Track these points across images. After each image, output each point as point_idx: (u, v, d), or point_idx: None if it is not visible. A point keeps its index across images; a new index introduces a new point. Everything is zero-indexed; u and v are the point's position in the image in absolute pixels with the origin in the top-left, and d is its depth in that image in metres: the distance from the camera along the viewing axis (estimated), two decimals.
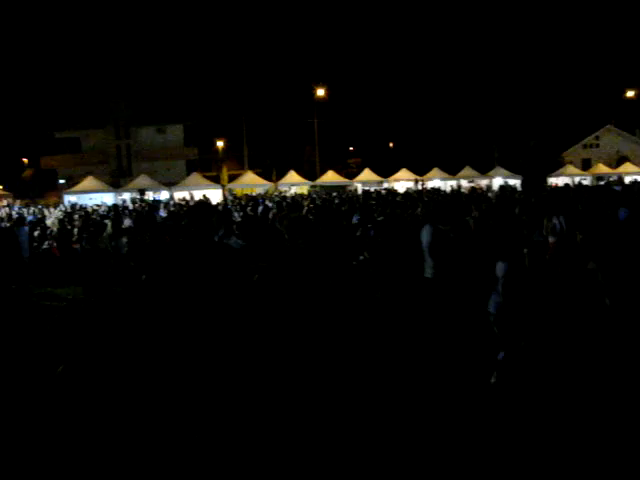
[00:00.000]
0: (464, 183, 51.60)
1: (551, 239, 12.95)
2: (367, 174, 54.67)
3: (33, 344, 9.91)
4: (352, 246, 15.85)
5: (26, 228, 17.59)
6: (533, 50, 79.19)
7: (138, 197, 43.14)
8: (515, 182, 48.36)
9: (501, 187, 39.44)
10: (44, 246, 20.63)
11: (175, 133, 70.00)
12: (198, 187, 48.58)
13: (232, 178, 55.86)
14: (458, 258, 10.43)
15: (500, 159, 58.97)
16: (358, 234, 16.01)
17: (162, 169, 64.18)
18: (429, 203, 20.93)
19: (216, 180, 54.75)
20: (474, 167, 55.08)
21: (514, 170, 54.14)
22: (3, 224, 23.20)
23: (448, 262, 9.73)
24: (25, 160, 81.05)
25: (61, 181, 66.13)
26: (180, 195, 46.51)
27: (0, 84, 76.86)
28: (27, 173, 77.88)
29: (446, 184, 50.74)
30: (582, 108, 68.35)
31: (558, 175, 52.28)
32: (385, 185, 51.55)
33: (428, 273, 9.97)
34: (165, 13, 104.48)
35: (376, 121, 78.71)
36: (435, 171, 54.50)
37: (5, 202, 44.71)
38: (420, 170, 54.20)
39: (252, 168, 59.15)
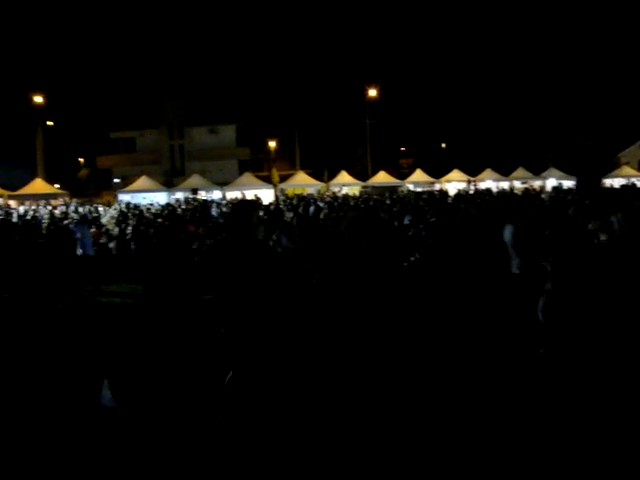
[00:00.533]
0: (517, 184, 50.95)
1: (603, 237, 12.71)
2: (419, 175, 54.34)
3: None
4: (404, 247, 15.76)
5: (88, 226, 17.91)
6: (589, 48, 77.97)
7: (191, 196, 43.60)
8: (569, 184, 47.68)
9: (555, 188, 38.90)
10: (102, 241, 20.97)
11: (228, 133, 70.59)
12: (250, 187, 48.87)
13: (284, 178, 56.10)
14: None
15: (554, 160, 57.94)
16: (409, 235, 15.93)
17: (214, 169, 64.76)
18: (494, 204, 20.76)
19: (268, 180, 54.99)
20: (527, 168, 54.35)
21: (568, 171, 53.21)
22: (61, 223, 23.55)
23: (535, 258, 9.64)
24: (81, 160, 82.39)
25: (116, 180, 67.16)
26: (232, 195, 46.84)
27: (59, 86, 77.87)
28: (83, 172, 79.17)
29: (498, 185, 50.17)
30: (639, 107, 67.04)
31: (614, 176, 51.15)
32: (437, 186, 51.24)
33: (515, 270, 10.02)
34: (218, 14, 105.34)
35: (429, 122, 78.19)
36: (487, 172, 53.90)
37: (61, 200, 45.48)
38: (472, 171, 53.70)
39: (304, 168, 59.23)
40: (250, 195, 43.02)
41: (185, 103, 68.26)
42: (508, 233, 10.14)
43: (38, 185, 48.27)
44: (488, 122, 76.16)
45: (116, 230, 23.06)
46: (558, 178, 51.35)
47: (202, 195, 46.27)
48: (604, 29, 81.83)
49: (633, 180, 47.11)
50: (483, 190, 41.55)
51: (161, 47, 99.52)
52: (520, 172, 53.80)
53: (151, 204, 37.54)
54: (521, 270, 9.86)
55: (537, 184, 50.27)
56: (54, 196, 47.41)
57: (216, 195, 48.07)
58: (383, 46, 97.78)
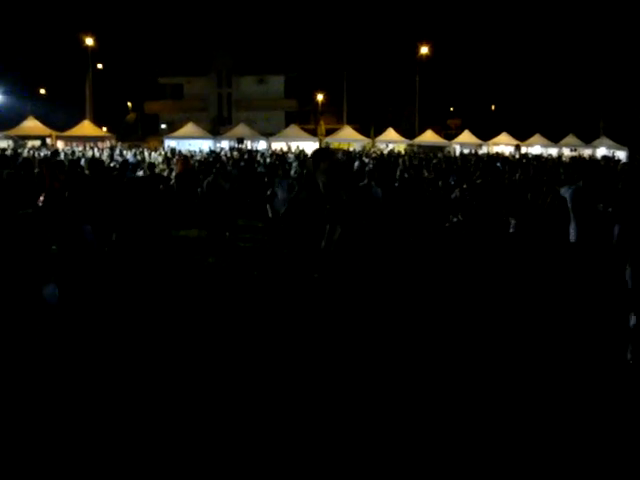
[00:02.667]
0: (566, 152, 50.05)
1: None
2: (466, 136, 53.73)
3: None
4: (447, 207, 15.60)
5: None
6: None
7: (236, 145, 43.62)
8: (621, 154, 46.69)
9: (604, 157, 38.07)
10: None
11: (276, 84, 70.34)
12: (295, 139, 48.85)
13: (330, 132, 55.84)
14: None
15: (606, 129, 56.73)
16: (454, 196, 15.74)
17: (261, 119, 64.71)
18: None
19: (314, 133, 54.75)
20: (578, 136, 53.36)
21: (620, 141, 52.12)
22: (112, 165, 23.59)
23: (593, 225, 9.15)
24: (129, 104, 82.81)
25: (163, 126, 67.51)
26: (277, 146, 46.82)
27: (110, 30, 78.04)
28: (131, 116, 79.57)
29: (547, 151, 49.33)
30: None
31: None
32: (484, 148, 50.61)
33: (572, 239, 9.43)
34: None
35: (479, 82, 76.98)
36: (537, 137, 53.08)
37: (108, 143, 45.83)
38: (521, 135, 52.92)
39: (350, 123, 58.91)
40: (295, 147, 42.93)
41: (234, 52, 68.05)
42: (567, 195, 9.50)
43: (86, 127, 48.73)
44: (540, 86, 74.80)
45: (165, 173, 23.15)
46: (609, 147, 50.27)
47: (247, 144, 46.28)
48: None
49: None
50: (530, 155, 40.77)
51: None
52: (570, 139, 52.83)
53: (195, 151, 37.53)
54: (579, 238, 9.29)
55: (587, 153, 49.31)
56: (101, 139, 47.82)
57: (261, 145, 48.08)
58: (437, 3, 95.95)
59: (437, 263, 12.31)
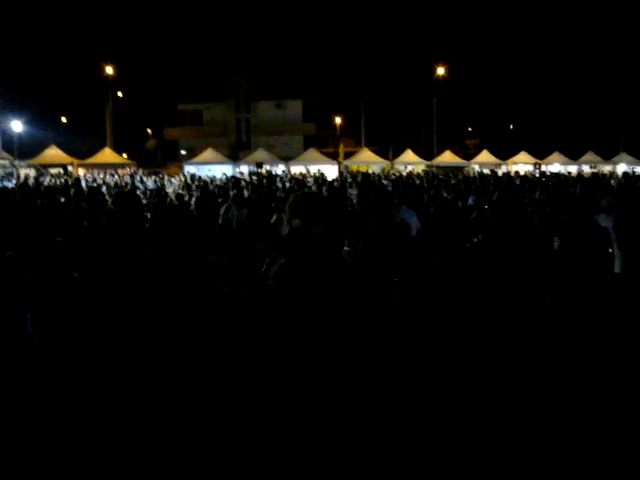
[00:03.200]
0: (586, 169, 49.80)
1: None
2: (485, 155, 53.65)
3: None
4: (467, 227, 15.57)
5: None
6: None
7: (255, 170, 43.83)
8: None
9: (625, 174, 37.88)
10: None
11: (294, 108, 70.61)
12: (314, 162, 49.00)
13: (348, 155, 56.00)
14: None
15: (626, 145, 56.42)
16: (473, 216, 15.72)
17: (280, 143, 64.95)
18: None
19: (332, 156, 54.94)
20: (597, 152, 53.14)
21: None
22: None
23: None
24: (149, 130, 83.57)
25: (182, 152, 67.96)
26: (296, 170, 46.99)
27: (129, 58, 78.97)
28: (151, 143, 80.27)
29: (566, 169, 49.11)
30: None
31: None
32: (503, 168, 50.48)
33: (617, 267, 8.41)
34: None
35: (496, 102, 76.95)
36: (556, 155, 52.88)
37: (128, 170, 46.25)
38: (540, 153, 52.76)
39: (369, 145, 59.07)
40: (314, 170, 43.10)
41: (252, 77, 68.48)
42: (608, 224, 8.41)
43: (106, 154, 49.20)
44: (557, 103, 74.63)
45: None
46: (629, 164, 50.00)
47: (266, 169, 46.49)
48: None
49: None
50: (549, 173, 40.59)
51: (230, 21, 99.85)
52: (590, 156, 52.59)
53: (214, 176, 37.75)
54: (625, 269, 8.28)
55: (607, 169, 49.07)
56: (121, 165, 48.29)
57: (280, 170, 48.26)
58: (452, 24, 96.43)
59: (462, 284, 12.27)
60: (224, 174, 40.03)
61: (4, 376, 5.75)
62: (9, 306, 5.67)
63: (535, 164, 47.88)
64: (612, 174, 43.82)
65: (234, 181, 22.38)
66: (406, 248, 8.71)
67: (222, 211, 12.83)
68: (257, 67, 68.47)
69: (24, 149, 50.27)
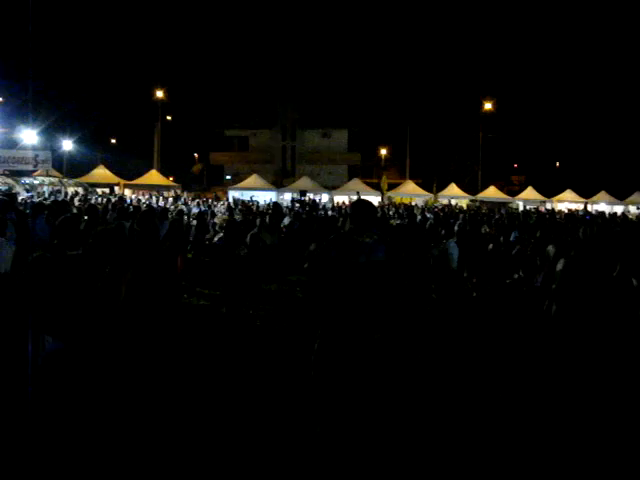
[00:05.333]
0: (632, 209, 49.07)
1: None
2: (530, 192, 53.19)
3: None
4: (508, 263, 15.43)
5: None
6: None
7: (298, 198, 43.99)
8: None
9: None
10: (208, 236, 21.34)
11: (339, 138, 71.02)
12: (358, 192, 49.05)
13: (392, 186, 56.04)
14: None
15: None
16: (514, 252, 15.59)
17: (324, 172, 65.32)
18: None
19: (376, 187, 54.96)
20: None
21: None
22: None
23: None
24: (196, 155, 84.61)
25: (227, 177, 68.65)
26: (340, 199, 47.07)
27: (179, 83, 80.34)
28: (197, 167, 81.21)
29: (612, 209, 48.39)
30: None
31: None
32: (548, 205, 49.98)
33: None
34: (338, 19, 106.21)
35: (543, 138, 76.48)
36: (602, 194, 52.19)
37: (173, 192, 46.79)
38: (586, 192, 52.17)
39: (413, 178, 59.05)
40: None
41: (299, 105, 69.11)
42: None
43: (153, 176, 49.90)
44: (605, 142, 73.91)
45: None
46: None
47: (310, 197, 46.65)
48: None
49: None
50: (595, 213, 40.03)
51: (280, 50, 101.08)
52: (637, 197, 51.77)
53: (256, 201, 38.00)
54: None
55: None
56: (167, 188, 48.87)
57: (324, 198, 48.38)
58: (501, 59, 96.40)
59: (498, 319, 12.14)
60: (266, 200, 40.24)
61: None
62: None
63: (585, 205, 47.19)
64: None
65: (274, 207, 22.44)
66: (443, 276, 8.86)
67: (248, 239, 12.64)
68: (305, 96, 69.19)
69: (73, 168, 51.26)
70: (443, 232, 15.99)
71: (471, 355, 9.54)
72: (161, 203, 34.67)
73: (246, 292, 11.97)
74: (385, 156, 67.37)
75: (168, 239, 11.20)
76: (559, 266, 8.97)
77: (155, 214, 12.41)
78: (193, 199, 39.53)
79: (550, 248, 10.12)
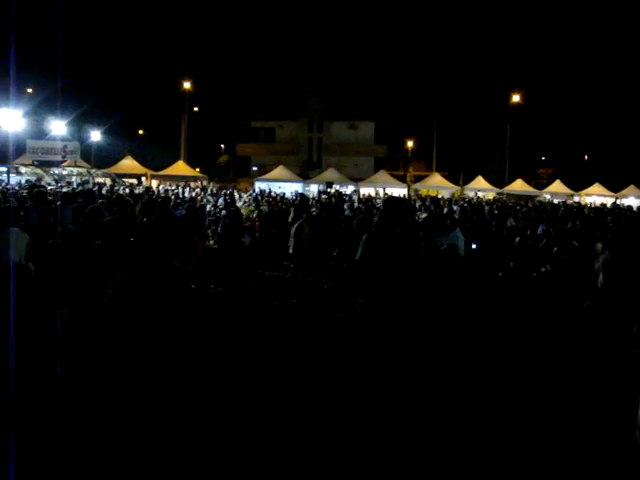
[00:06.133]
0: None
1: None
2: (557, 186, 52.69)
3: None
4: (534, 257, 15.32)
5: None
6: None
7: (325, 189, 43.98)
8: None
9: None
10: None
11: (366, 130, 70.87)
12: (384, 184, 48.95)
13: (419, 178, 55.84)
14: None
15: None
16: (542, 245, 15.48)
17: (350, 164, 65.17)
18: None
19: (402, 179, 54.82)
20: None
21: None
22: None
23: None
24: (222, 146, 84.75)
25: (254, 168, 68.72)
26: (366, 191, 46.99)
27: (206, 74, 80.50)
28: (223, 158, 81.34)
29: None
30: None
31: None
32: (576, 199, 49.51)
33: None
34: (365, 11, 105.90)
35: (571, 131, 75.61)
36: (631, 188, 51.56)
37: (200, 183, 46.95)
38: (615, 186, 51.58)
39: (439, 170, 58.83)
40: (383, 193, 43.04)
41: (326, 97, 68.97)
42: None
43: (180, 167, 50.16)
44: (635, 135, 72.94)
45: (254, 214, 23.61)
46: None
47: (336, 189, 46.60)
48: None
49: None
50: (624, 206, 39.57)
51: (308, 42, 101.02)
52: None
53: (283, 193, 38.01)
54: None
55: None
56: (193, 179, 49.07)
57: (350, 190, 48.31)
58: (530, 51, 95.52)
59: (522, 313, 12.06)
60: (294, 191, 40.23)
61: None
62: None
63: (614, 199, 46.58)
64: None
65: (301, 199, 22.44)
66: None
67: (293, 231, 12.86)
68: (331, 87, 69.07)
69: (101, 158, 51.58)
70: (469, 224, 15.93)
71: (479, 348, 9.51)
72: (187, 194, 34.76)
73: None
74: (411, 148, 67.09)
75: (183, 222, 11.23)
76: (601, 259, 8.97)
77: (159, 203, 12.54)
78: (219, 189, 39.64)
79: (599, 245, 9.95)
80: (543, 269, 14.93)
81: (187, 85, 58.79)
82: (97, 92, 67.00)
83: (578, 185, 52.79)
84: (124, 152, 52.53)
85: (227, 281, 12.90)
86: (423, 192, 50.07)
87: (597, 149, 76.36)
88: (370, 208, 24.94)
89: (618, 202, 45.07)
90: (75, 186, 33.43)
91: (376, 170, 58.69)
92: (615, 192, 50.53)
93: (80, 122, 49.04)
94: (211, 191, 37.38)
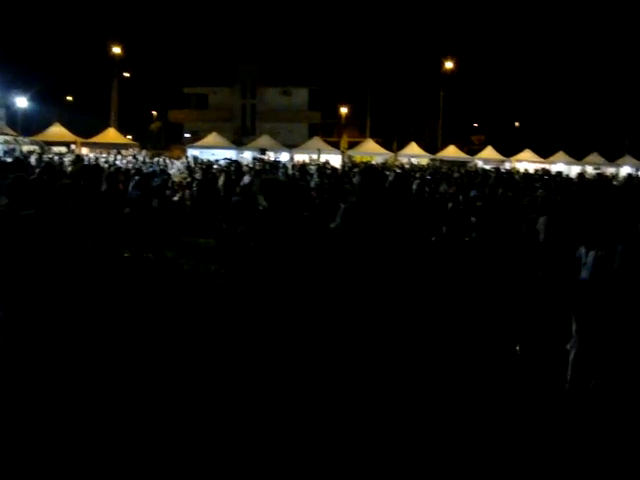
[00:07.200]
0: (589, 170, 49.53)
1: None
2: (489, 152, 53.50)
3: None
4: (465, 223, 15.52)
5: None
6: None
7: (258, 156, 43.71)
8: None
9: (629, 176, 37.71)
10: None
11: (300, 96, 70.58)
12: (318, 151, 48.89)
13: (353, 145, 55.92)
14: None
15: (631, 147, 56.26)
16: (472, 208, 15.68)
17: (284, 131, 64.84)
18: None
19: (336, 145, 54.80)
20: (602, 154, 52.96)
21: None
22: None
23: None
24: (154, 113, 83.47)
25: (186, 135, 67.87)
26: (300, 158, 46.87)
27: (137, 39, 78.79)
28: (155, 125, 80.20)
29: (570, 169, 48.83)
30: None
31: None
32: (507, 165, 50.30)
33: None
34: None
35: (503, 99, 76.63)
36: (560, 155, 52.66)
37: (131, 151, 46.15)
38: (544, 152, 52.64)
39: (373, 137, 59.03)
40: (319, 159, 43.00)
41: (260, 63, 68.37)
42: None
43: (110, 134, 49.22)
44: (564, 103, 74.35)
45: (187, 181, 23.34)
46: (633, 166, 49.85)
47: (270, 156, 46.34)
48: None
49: None
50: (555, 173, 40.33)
51: (240, 6, 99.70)
52: (594, 157, 52.33)
53: (217, 160, 37.60)
54: None
55: (610, 171, 48.81)
56: (125, 146, 48.17)
57: (284, 157, 48.12)
58: (462, 19, 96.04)
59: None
60: (226, 158, 39.86)
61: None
62: None
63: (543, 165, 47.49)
64: (615, 176, 43.56)
65: (236, 165, 22.30)
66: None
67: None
68: (265, 53, 68.36)
69: (28, 126, 50.26)
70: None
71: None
72: (119, 162, 34.11)
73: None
74: (345, 115, 67.17)
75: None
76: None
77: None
78: (152, 157, 39.02)
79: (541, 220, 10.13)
80: (474, 234, 15.14)
81: (117, 50, 57.46)
82: (23, 56, 65.19)
83: (509, 151, 53.70)
84: (52, 119, 51.19)
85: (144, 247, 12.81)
86: (357, 158, 50.18)
87: (527, 116, 77.68)
88: (304, 175, 24.84)
89: (547, 167, 45.93)
90: (1, 154, 32.52)
91: (310, 137, 58.61)
92: (545, 158, 51.58)
93: (5, 88, 47.67)
94: (143, 159, 36.78)
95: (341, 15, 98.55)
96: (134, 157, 38.78)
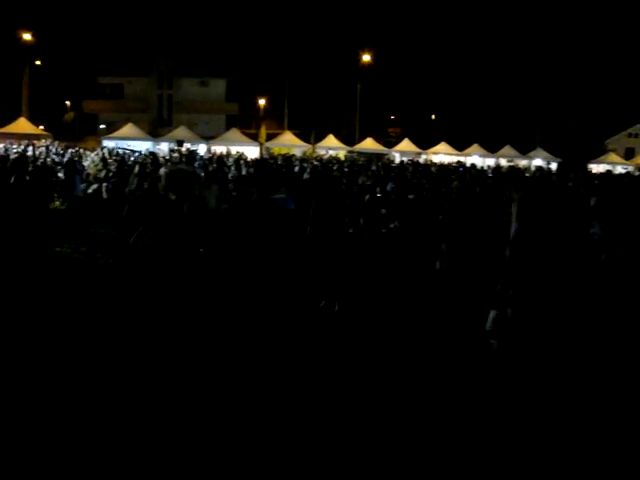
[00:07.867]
0: (503, 162, 50.92)
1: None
2: (406, 144, 54.38)
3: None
4: (384, 214, 15.74)
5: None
6: (583, 34, 77.19)
7: (175, 147, 43.26)
8: (556, 165, 48.03)
9: (538, 168, 38.85)
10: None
11: (217, 87, 70.06)
12: (236, 143, 48.72)
13: (271, 137, 55.87)
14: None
15: (542, 141, 58.21)
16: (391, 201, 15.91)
17: (202, 122, 64.34)
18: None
19: (254, 137, 54.67)
20: (515, 147, 54.48)
21: (555, 153, 53.72)
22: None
23: None
24: (68, 103, 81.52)
25: (102, 126, 66.51)
26: (218, 149, 46.60)
27: (49, 25, 76.70)
28: (69, 115, 78.38)
29: (485, 161, 50.07)
30: (630, 95, 66.92)
31: (600, 162, 51.38)
32: (423, 157, 51.16)
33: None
34: None
35: (420, 92, 77.71)
36: (475, 147, 53.96)
37: (44, 142, 44.96)
38: (460, 145, 53.78)
39: (291, 129, 59.13)
40: (235, 151, 42.79)
41: (176, 53, 67.47)
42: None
43: (21, 124, 47.76)
44: (479, 97, 75.92)
45: (102, 174, 23.01)
46: (544, 159, 51.54)
47: (187, 147, 45.95)
48: (598, 15, 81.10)
49: (619, 168, 47.05)
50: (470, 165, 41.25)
51: None
52: (507, 150, 53.95)
53: (133, 151, 37.00)
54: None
55: (523, 163, 50.26)
56: (37, 137, 46.88)
57: (201, 149, 47.76)
58: (380, 11, 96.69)
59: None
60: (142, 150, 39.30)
61: None
62: None
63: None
64: (527, 168, 44.87)
65: (153, 158, 22.01)
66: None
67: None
68: (181, 43, 67.44)
69: None
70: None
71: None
72: (30, 153, 33.20)
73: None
74: (263, 106, 67.06)
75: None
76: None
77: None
78: (65, 148, 38.11)
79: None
80: (392, 225, 15.39)
81: (28, 36, 55.80)
82: None
83: (425, 144, 54.63)
84: None
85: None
86: (275, 150, 50.20)
87: (443, 109, 79.00)
88: (221, 167, 24.68)
89: (463, 160, 46.88)
90: None
91: (228, 128, 58.37)
92: (460, 151, 52.71)
93: None
94: (56, 150, 35.91)
95: (259, 6, 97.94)
96: (46, 148, 37.82)
